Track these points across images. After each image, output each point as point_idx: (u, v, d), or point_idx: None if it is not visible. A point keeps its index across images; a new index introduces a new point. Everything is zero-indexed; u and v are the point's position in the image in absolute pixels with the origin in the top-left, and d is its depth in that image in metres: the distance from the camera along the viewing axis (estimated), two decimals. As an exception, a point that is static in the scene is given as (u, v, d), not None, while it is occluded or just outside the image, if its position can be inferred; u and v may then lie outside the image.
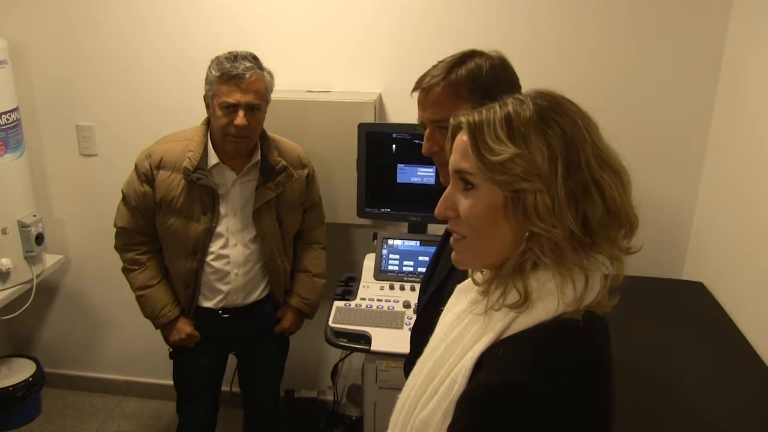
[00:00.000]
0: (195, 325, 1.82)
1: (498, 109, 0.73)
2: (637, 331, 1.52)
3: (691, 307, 1.76)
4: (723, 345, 1.57)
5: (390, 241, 1.98)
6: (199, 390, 1.94)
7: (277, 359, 2.01)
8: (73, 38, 2.17)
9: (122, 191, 1.77)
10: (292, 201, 1.81)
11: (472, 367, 0.71)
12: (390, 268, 1.95)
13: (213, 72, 1.61)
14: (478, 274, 0.80)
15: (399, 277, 1.93)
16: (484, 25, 1.95)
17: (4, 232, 2.05)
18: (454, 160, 0.76)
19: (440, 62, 1.03)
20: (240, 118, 1.60)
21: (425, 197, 1.95)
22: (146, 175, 1.70)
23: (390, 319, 1.74)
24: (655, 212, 1.97)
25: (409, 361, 1.17)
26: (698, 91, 1.93)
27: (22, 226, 2.09)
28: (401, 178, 1.97)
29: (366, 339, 1.67)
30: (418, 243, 1.97)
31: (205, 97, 1.67)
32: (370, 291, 1.88)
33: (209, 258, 1.75)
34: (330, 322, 1.74)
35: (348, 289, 1.89)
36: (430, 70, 1.03)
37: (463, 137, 0.75)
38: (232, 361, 2.04)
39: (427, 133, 1.04)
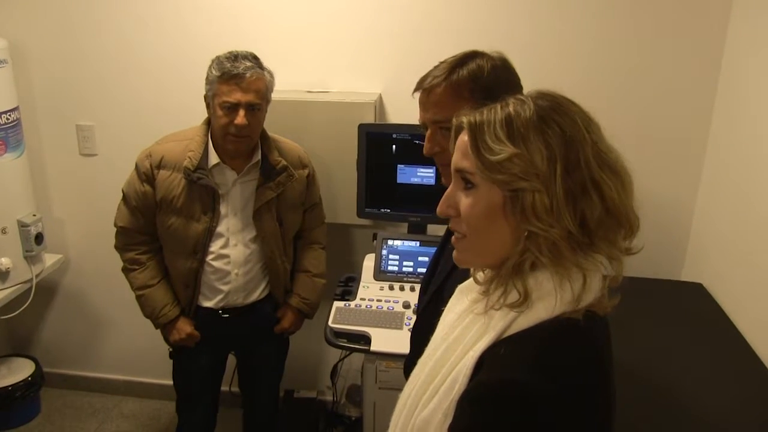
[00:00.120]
0: (195, 325, 1.82)
1: (499, 110, 0.73)
2: (636, 331, 1.52)
3: (691, 308, 1.76)
4: (722, 346, 1.57)
5: (390, 242, 1.98)
6: (199, 390, 1.94)
7: (276, 359, 2.01)
8: (74, 38, 2.17)
9: (122, 191, 1.77)
10: (293, 201, 1.81)
11: (474, 366, 0.71)
12: (390, 268, 1.95)
13: (213, 72, 1.61)
14: (480, 273, 0.81)
15: (399, 277, 1.93)
16: (484, 25, 1.95)
17: (4, 231, 2.05)
18: (456, 159, 0.76)
19: (441, 63, 1.03)
20: (240, 118, 1.60)
21: (425, 198, 1.96)
22: (147, 174, 1.70)
23: (390, 320, 1.74)
24: (655, 213, 1.98)
25: (409, 361, 1.17)
26: (698, 91, 1.93)
27: (22, 225, 2.09)
28: (401, 178, 1.97)
29: (366, 339, 1.67)
30: (418, 243, 1.97)
31: (205, 97, 1.67)
32: (370, 291, 1.88)
33: (209, 258, 1.74)
34: (330, 323, 1.74)
35: (348, 289, 1.89)
36: (431, 71, 1.03)
37: (464, 137, 0.75)
38: (231, 361, 2.04)
39: (428, 133, 1.04)
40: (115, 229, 1.79)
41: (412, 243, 1.97)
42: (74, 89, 2.23)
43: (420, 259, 1.95)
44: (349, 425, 2.37)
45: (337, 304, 1.82)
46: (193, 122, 1.77)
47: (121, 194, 1.78)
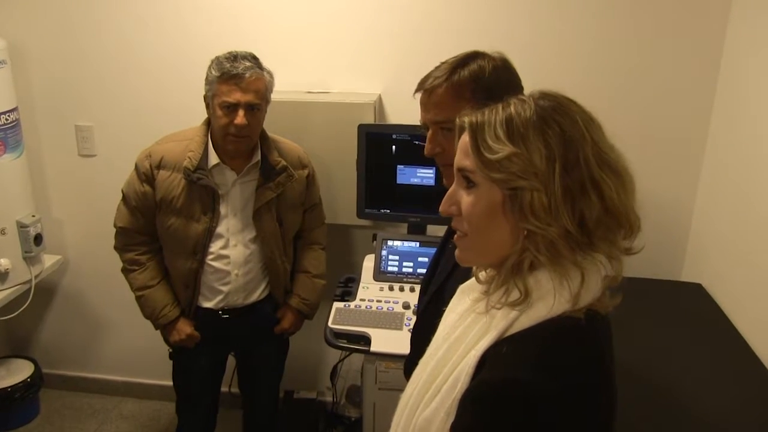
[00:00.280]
0: (195, 326, 1.82)
1: (500, 110, 0.74)
2: (636, 332, 1.52)
3: (690, 309, 1.76)
4: (722, 346, 1.57)
5: (389, 242, 1.98)
6: (199, 390, 1.94)
7: (276, 360, 2.01)
8: (73, 38, 2.16)
9: (122, 191, 1.77)
10: (293, 201, 1.81)
11: (476, 365, 0.71)
12: (389, 269, 1.95)
13: (213, 72, 1.61)
14: (482, 272, 0.81)
15: (398, 278, 1.93)
16: (484, 25, 1.95)
17: (3, 232, 2.05)
18: (457, 158, 0.77)
19: (442, 63, 1.04)
20: (240, 118, 1.60)
21: (425, 198, 1.96)
22: (146, 174, 1.70)
23: (389, 320, 1.74)
24: (654, 213, 1.98)
25: (409, 361, 1.17)
26: (697, 91, 1.93)
27: (21, 226, 2.09)
28: (401, 179, 1.97)
29: (365, 340, 1.67)
30: (418, 244, 1.97)
31: (205, 97, 1.67)
32: (370, 292, 1.88)
33: (209, 258, 1.74)
34: (329, 323, 1.74)
35: (347, 290, 1.89)
36: (432, 72, 1.03)
37: (465, 136, 0.76)
38: (231, 361, 2.04)
39: (429, 134, 1.04)
40: (114, 230, 1.79)
41: (412, 243, 1.98)
42: (73, 90, 2.23)
43: (420, 259, 1.95)
44: (348, 426, 2.37)
45: (336, 304, 1.82)
46: (193, 122, 1.77)
47: (121, 195, 1.78)
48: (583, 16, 1.92)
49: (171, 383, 1.97)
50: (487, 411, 0.68)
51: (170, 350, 1.90)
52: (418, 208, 1.98)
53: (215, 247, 1.74)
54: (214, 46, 1.69)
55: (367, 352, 1.67)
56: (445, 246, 1.19)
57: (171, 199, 1.69)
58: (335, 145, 2.01)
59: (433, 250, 1.28)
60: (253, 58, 1.63)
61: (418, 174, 1.96)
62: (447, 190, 0.81)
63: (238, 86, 1.58)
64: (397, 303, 1.81)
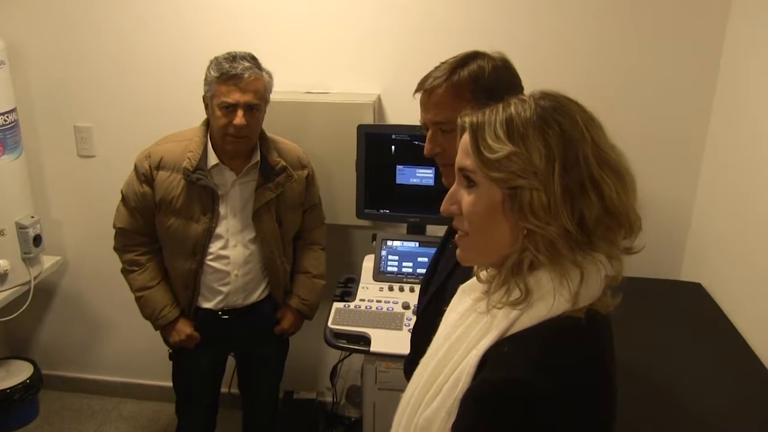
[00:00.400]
0: (194, 326, 1.82)
1: (501, 110, 0.74)
2: (635, 331, 1.52)
3: (690, 308, 1.77)
4: (721, 345, 1.57)
5: (389, 243, 1.98)
6: (199, 391, 1.94)
7: (276, 360, 2.01)
8: (72, 39, 2.16)
9: (121, 192, 1.77)
10: (292, 201, 1.81)
11: (477, 364, 0.71)
12: (389, 269, 1.95)
13: (212, 72, 1.61)
14: (483, 272, 0.81)
15: (398, 278, 1.93)
16: (484, 25, 1.95)
17: (2, 233, 2.05)
18: (459, 158, 0.77)
19: (442, 63, 1.04)
20: (239, 118, 1.60)
21: (424, 198, 1.96)
22: (146, 175, 1.70)
23: (389, 320, 1.74)
24: (654, 213, 1.95)
25: (409, 362, 1.17)
26: (697, 91, 1.94)
27: (20, 227, 2.08)
28: (400, 179, 1.97)
29: (365, 340, 1.67)
30: (417, 244, 1.97)
31: (204, 98, 1.67)
32: (370, 292, 1.88)
33: (209, 259, 1.74)
34: (329, 323, 1.74)
35: (347, 290, 1.89)
36: (432, 72, 1.03)
37: (466, 136, 0.76)
38: (230, 362, 2.04)
39: (429, 134, 1.04)
40: (114, 231, 1.79)
41: (412, 244, 1.98)
42: (72, 90, 2.23)
43: (419, 259, 1.95)
44: (348, 426, 2.37)
45: (336, 305, 1.82)
46: (192, 123, 1.76)
47: (120, 195, 1.77)
48: (583, 16, 1.92)
49: (170, 384, 1.97)
50: (489, 410, 0.68)
51: (170, 351, 1.90)
52: (417, 209, 1.98)
53: (215, 247, 1.74)
54: (214, 46, 1.69)
55: (367, 353, 1.67)
56: (444, 246, 1.19)
57: (170, 200, 1.69)
58: (334, 146, 2.01)
59: (432, 250, 1.28)
60: (252, 59, 1.63)
61: (417, 174, 1.96)
62: (446, 190, 0.81)
63: (237, 86, 1.58)
64: (397, 303, 1.81)
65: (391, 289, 1.89)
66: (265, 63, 1.66)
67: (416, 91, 1.04)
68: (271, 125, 1.79)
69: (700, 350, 1.55)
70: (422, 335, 0.90)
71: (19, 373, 2.39)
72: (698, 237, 2.02)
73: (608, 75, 1.96)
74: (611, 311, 0.75)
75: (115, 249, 1.80)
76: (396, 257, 1.96)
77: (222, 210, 1.72)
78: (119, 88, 2.20)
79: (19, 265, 2.11)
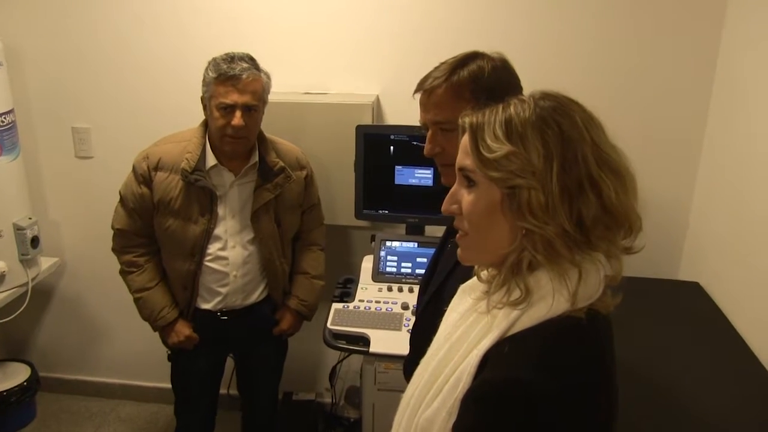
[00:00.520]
0: (193, 327, 1.81)
1: (500, 111, 0.75)
2: (634, 331, 1.52)
3: (688, 308, 1.77)
4: (720, 345, 1.58)
5: (388, 243, 1.98)
6: (198, 392, 1.93)
7: (275, 361, 2.01)
8: (70, 39, 2.16)
9: (120, 193, 1.76)
10: (291, 202, 1.80)
11: (478, 364, 0.72)
12: (388, 269, 1.95)
13: (210, 73, 1.61)
14: (484, 271, 0.81)
15: (397, 278, 1.93)
16: (483, 26, 1.95)
17: (0, 234, 2.04)
18: (459, 158, 0.78)
19: (442, 64, 1.04)
20: (237, 119, 1.59)
21: (423, 199, 1.96)
22: (144, 176, 1.70)
23: (388, 321, 1.74)
24: (652, 212, 1.96)
25: (408, 362, 1.17)
26: (694, 91, 1.94)
27: (18, 228, 2.08)
28: (399, 179, 1.97)
29: (364, 341, 1.67)
30: (416, 244, 1.97)
31: (202, 99, 1.67)
32: (369, 293, 1.88)
33: (207, 260, 1.74)
34: (328, 324, 1.73)
35: (346, 290, 1.89)
36: (431, 72, 1.03)
37: (466, 136, 0.77)
38: (229, 363, 2.04)
39: (429, 134, 1.04)
40: (112, 232, 1.78)
41: (411, 244, 1.98)
42: (70, 91, 2.22)
43: (418, 260, 1.95)
44: (348, 427, 2.37)
45: (335, 305, 1.81)
46: (190, 124, 1.76)
47: (118, 196, 1.77)
48: (582, 16, 1.92)
49: (169, 386, 1.96)
50: (489, 411, 0.68)
51: (169, 352, 1.90)
52: (416, 209, 1.98)
53: (213, 248, 1.73)
54: (212, 47, 1.69)
55: (366, 353, 1.66)
56: (444, 246, 1.19)
57: (169, 201, 1.68)
58: (333, 146, 2.01)
59: (431, 251, 1.28)
60: (250, 60, 1.63)
61: (416, 174, 1.96)
62: (445, 190, 0.81)
63: (235, 87, 1.58)
64: (396, 304, 1.81)
65: (390, 289, 1.89)
66: (263, 64, 1.66)
67: (416, 91, 1.04)
68: (269, 126, 1.78)
69: (698, 349, 1.55)
70: (422, 335, 0.90)
71: (16, 375, 2.37)
72: (696, 237, 2.02)
73: (605, 76, 1.96)
74: (611, 311, 0.75)
75: (114, 250, 1.80)
76: (395, 258, 1.96)
77: (220, 211, 1.72)
78: (117, 89, 2.19)
79: (17, 267, 2.11)
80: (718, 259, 1.85)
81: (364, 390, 1.79)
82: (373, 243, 2.00)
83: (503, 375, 0.68)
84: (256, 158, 1.72)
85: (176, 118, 1.98)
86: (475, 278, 0.84)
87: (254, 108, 1.63)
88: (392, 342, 1.65)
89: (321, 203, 1.96)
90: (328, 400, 2.40)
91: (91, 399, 2.60)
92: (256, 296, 1.83)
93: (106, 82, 2.19)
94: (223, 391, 2.08)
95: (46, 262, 2.29)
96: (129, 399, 2.60)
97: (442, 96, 1.00)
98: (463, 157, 0.76)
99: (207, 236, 1.71)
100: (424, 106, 1.03)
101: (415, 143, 1.91)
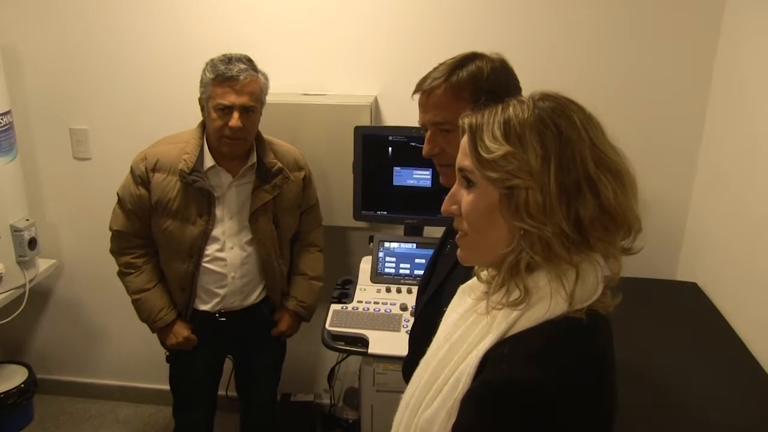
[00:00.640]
0: (192, 329, 1.81)
1: (499, 111, 0.75)
2: (632, 331, 1.53)
3: (686, 308, 1.77)
4: (717, 345, 1.58)
5: (386, 244, 1.98)
6: (196, 394, 1.93)
7: (274, 362, 2.01)
8: (67, 40, 2.15)
9: (118, 194, 1.76)
10: (289, 203, 1.80)
11: (477, 365, 0.72)
12: (386, 270, 1.95)
13: (207, 74, 1.61)
14: (484, 272, 0.81)
15: (396, 279, 1.93)
16: (480, 27, 1.95)
17: (-3, 236, 2.04)
18: (459, 158, 0.78)
19: (441, 64, 1.04)
20: (235, 120, 1.59)
21: (421, 200, 1.96)
22: (142, 177, 1.69)
23: (387, 322, 1.74)
24: (650, 213, 1.98)
25: (407, 363, 1.17)
26: (691, 91, 1.95)
27: (15, 230, 2.07)
28: (397, 180, 1.97)
29: (363, 342, 1.67)
30: (415, 245, 1.97)
31: (199, 100, 1.67)
32: (367, 294, 1.88)
33: (205, 261, 1.74)
34: (327, 325, 1.73)
35: (345, 292, 1.89)
36: (430, 73, 1.03)
37: (465, 137, 0.77)
38: (228, 364, 2.03)
39: (428, 135, 1.04)
40: (109, 233, 1.78)
41: (409, 245, 1.98)
42: (67, 92, 2.22)
43: (417, 261, 1.95)
44: (346, 428, 2.36)
45: (334, 306, 1.81)
46: (188, 125, 1.76)
47: (116, 198, 1.77)
48: (581, 16, 1.92)
49: (167, 387, 1.96)
50: (489, 411, 0.68)
51: (167, 353, 1.89)
52: (414, 210, 1.98)
53: (211, 249, 1.73)
54: (210, 48, 1.69)
55: (365, 354, 1.66)
56: (442, 247, 1.19)
57: (166, 202, 1.68)
58: (331, 147, 2.00)
59: (430, 252, 1.28)
60: (248, 61, 1.63)
61: (414, 176, 1.96)
62: (444, 190, 0.82)
63: (232, 88, 1.58)
64: (395, 305, 1.81)
65: (388, 290, 1.89)
66: (261, 65, 1.66)
67: (415, 92, 1.04)
68: (267, 127, 1.78)
69: (696, 350, 1.55)
70: (421, 336, 0.90)
71: (14, 377, 2.36)
72: (694, 237, 2.03)
73: (602, 77, 1.97)
74: (611, 311, 0.76)
75: (111, 252, 1.79)
76: (393, 259, 1.96)
77: (218, 212, 1.72)
78: (115, 91, 2.19)
79: (14, 269, 2.10)
80: (716, 260, 1.85)
81: (363, 391, 1.79)
82: (371, 244, 2.00)
83: (503, 376, 0.68)
84: (254, 159, 1.72)
85: (174, 119, 1.98)
86: (474, 279, 0.84)
87: (252, 109, 1.63)
88: (391, 343, 1.65)
89: (319, 204, 1.95)
90: (326, 401, 2.40)
91: (89, 401, 2.60)
92: (254, 297, 1.83)
93: (104, 84, 2.19)
94: (221, 392, 2.08)
95: (43, 264, 2.28)
96: (127, 401, 2.59)
97: (441, 97, 1.00)
98: (463, 158, 0.77)
99: (205, 237, 1.71)
100: (423, 106, 1.03)
101: (413, 144, 1.91)
